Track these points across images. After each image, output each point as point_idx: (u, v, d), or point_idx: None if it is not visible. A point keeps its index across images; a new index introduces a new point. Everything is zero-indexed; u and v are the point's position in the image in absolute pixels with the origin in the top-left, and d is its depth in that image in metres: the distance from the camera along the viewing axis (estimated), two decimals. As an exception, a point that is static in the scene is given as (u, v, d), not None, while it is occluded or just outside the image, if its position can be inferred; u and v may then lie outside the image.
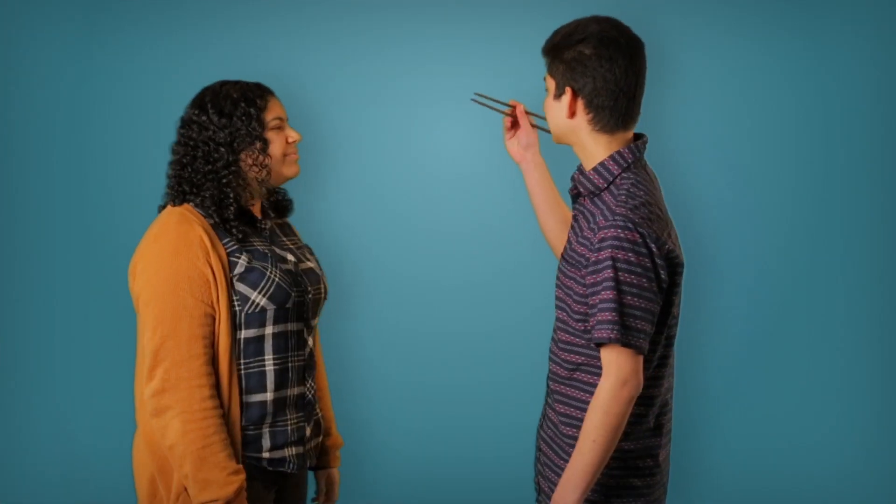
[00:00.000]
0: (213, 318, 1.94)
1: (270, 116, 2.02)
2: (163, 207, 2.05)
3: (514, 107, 2.20)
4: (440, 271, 3.17)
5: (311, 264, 2.14)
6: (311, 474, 2.26)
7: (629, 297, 1.79)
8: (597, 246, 1.81)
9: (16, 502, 3.14)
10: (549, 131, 2.08)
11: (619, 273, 1.78)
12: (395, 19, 3.10)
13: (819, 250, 3.14)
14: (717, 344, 3.17)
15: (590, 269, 1.82)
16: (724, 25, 3.03)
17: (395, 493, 3.19)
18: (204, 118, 1.98)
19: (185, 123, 2.01)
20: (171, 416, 1.89)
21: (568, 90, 1.88)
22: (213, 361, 1.94)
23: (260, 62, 2.93)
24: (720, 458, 3.20)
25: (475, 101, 2.22)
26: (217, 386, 1.94)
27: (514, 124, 2.21)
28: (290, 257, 2.08)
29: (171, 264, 1.91)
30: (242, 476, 1.93)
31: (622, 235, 1.78)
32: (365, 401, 3.20)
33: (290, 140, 2.05)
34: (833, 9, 3.02)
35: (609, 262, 1.78)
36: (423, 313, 3.18)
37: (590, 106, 1.88)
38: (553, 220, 2.23)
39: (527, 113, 2.20)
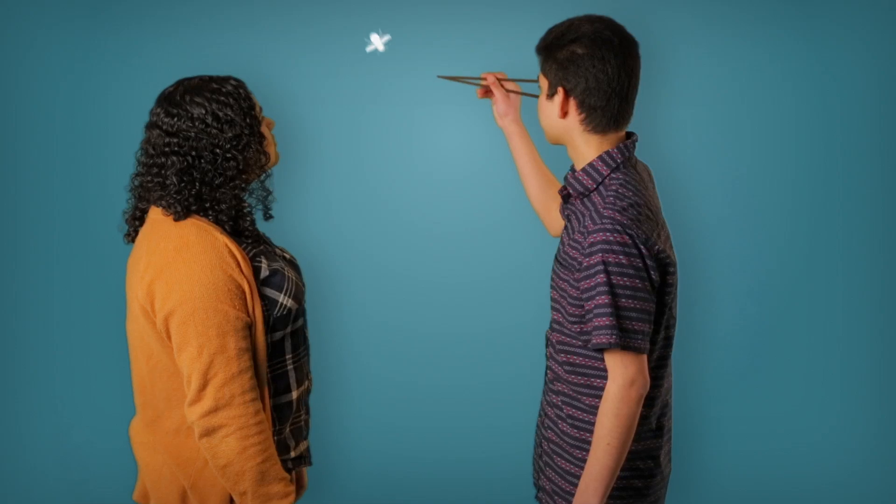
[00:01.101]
0: (251, 329, 1.86)
1: (257, 109, 1.91)
2: (138, 219, 1.94)
3: (485, 79, 2.22)
4: (438, 271, 3.17)
5: (288, 255, 2.08)
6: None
7: (624, 300, 1.79)
8: (587, 250, 1.80)
9: (16, 502, 3.14)
10: (529, 94, 2.13)
11: (612, 276, 1.78)
12: (396, 19, 3.10)
13: (819, 250, 3.14)
14: (716, 344, 3.17)
15: (582, 273, 1.82)
16: (723, 25, 3.03)
17: (389, 493, 3.19)
18: (200, 125, 1.82)
19: (175, 132, 1.83)
20: (224, 435, 1.81)
21: (560, 90, 1.87)
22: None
23: (260, 62, 2.93)
24: (719, 458, 3.19)
25: (442, 77, 2.23)
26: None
27: (489, 93, 2.23)
28: (278, 251, 2.03)
29: (207, 278, 1.79)
30: (293, 485, 1.90)
31: (611, 238, 1.78)
32: (359, 400, 3.21)
33: (272, 127, 1.96)
34: (833, 9, 3.02)
35: (600, 267, 1.78)
36: (421, 313, 3.19)
37: (582, 106, 1.87)
38: (536, 186, 2.24)
39: (501, 81, 2.21)
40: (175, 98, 1.85)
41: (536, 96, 2.10)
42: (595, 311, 1.80)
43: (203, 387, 1.80)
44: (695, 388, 3.13)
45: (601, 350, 1.83)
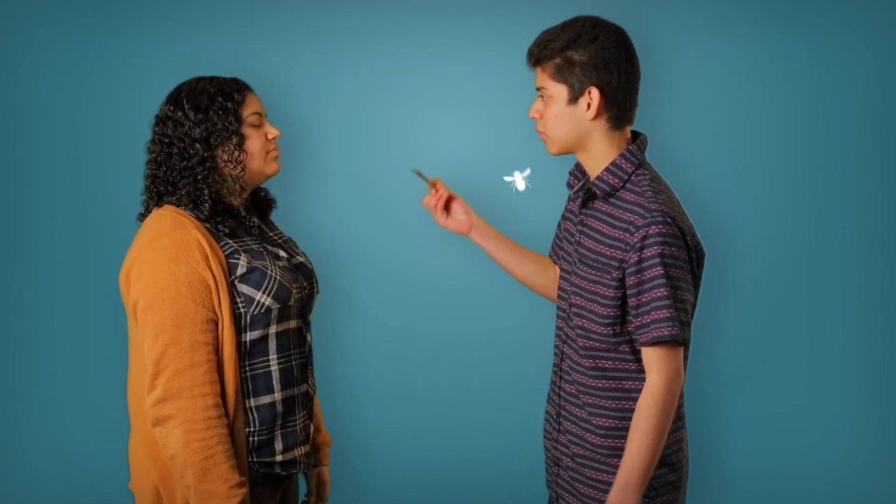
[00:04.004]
0: (216, 324, 1.88)
1: (248, 112, 1.96)
2: (144, 214, 2.00)
3: (434, 183, 2.20)
4: (438, 271, 3.17)
5: (301, 258, 2.11)
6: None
7: (679, 292, 1.79)
8: (638, 244, 1.79)
9: (16, 502, 3.14)
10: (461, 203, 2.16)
11: (669, 269, 1.77)
12: (396, 19, 3.10)
13: (819, 250, 3.14)
14: (716, 344, 3.16)
15: (631, 268, 1.80)
16: (723, 25, 3.03)
17: (388, 493, 3.19)
18: (180, 114, 1.93)
19: (161, 121, 1.96)
20: (172, 426, 1.83)
21: (594, 91, 1.85)
22: (218, 368, 1.89)
23: (260, 62, 2.93)
24: (718, 458, 3.19)
25: (417, 174, 2.23)
26: (222, 393, 1.89)
27: (444, 201, 2.21)
28: (283, 253, 2.05)
29: (169, 270, 1.85)
30: (245, 490, 1.87)
31: (665, 231, 1.78)
32: (358, 400, 3.20)
33: (270, 136, 2.00)
34: (833, 9, 3.02)
35: (657, 260, 1.77)
36: (421, 313, 3.18)
37: (613, 103, 1.86)
38: (530, 266, 2.21)
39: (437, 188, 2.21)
40: (182, 91, 1.97)
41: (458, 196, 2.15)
42: (653, 304, 1.78)
43: (156, 376, 1.85)
44: (694, 387, 3.12)
45: (656, 344, 1.80)
